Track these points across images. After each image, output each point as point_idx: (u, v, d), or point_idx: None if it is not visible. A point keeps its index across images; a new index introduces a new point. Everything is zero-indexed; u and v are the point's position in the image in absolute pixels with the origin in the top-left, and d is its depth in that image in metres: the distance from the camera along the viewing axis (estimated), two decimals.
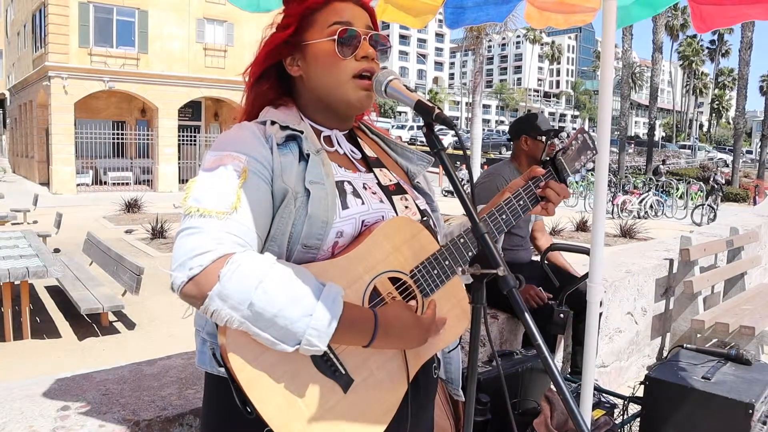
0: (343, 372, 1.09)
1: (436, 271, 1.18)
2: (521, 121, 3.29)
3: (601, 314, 3.53)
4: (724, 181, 24.77)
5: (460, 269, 1.10)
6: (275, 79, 1.28)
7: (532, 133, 3.14)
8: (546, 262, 3.12)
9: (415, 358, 1.19)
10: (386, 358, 1.15)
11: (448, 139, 31.05)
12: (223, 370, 1.06)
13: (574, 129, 1.66)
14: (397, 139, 1.43)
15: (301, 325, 0.98)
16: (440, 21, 2.65)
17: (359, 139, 1.35)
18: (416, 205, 1.31)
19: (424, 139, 1.17)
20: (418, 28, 2.65)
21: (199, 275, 0.98)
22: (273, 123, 1.19)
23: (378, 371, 1.14)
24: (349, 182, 1.21)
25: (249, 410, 1.03)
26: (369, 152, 1.34)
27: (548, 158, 1.34)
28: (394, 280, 1.17)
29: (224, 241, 1.01)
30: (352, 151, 1.30)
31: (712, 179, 23.19)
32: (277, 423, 1.03)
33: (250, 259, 1.00)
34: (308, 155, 1.16)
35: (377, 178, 1.28)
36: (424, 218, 1.29)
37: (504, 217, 1.26)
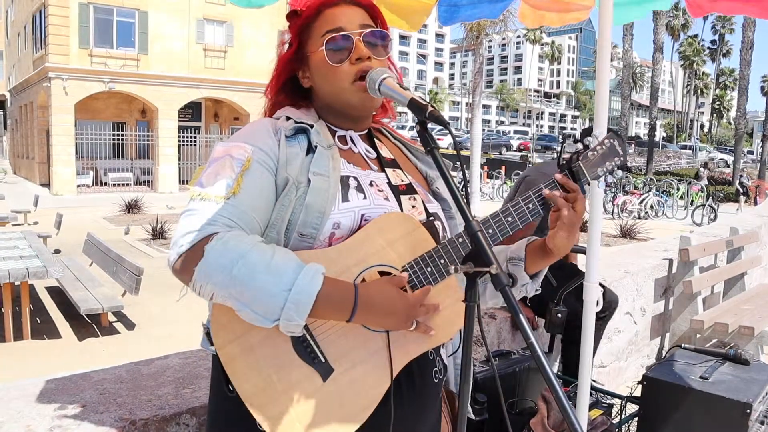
0: (323, 360, 1.09)
1: (429, 269, 1.14)
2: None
3: (598, 312, 3.53)
4: (750, 184, 24.32)
5: (453, 267, 1.09)
6: (290, 89, 1.32)
7: None
8: None
9: (402, 354, 1.15)
10: (370, 351, 1.13)
11: (449, 138, 30.94)
12: (214, 348, 1.10)
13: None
14: (413, 142, 1.43)
15: (280, 299, 1.00)
16: (434, 19, 2.61)
17: (378, 140, 1.35)
18: (425, 206, 1.29)
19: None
20: (412, 31, 2.63)
21: (187, 252, 1.04)
22: (288, 119, 1.23)
23: (361, 365, 1.12)
24: (355, 178, 1.22)
25: (231, 389, 1.07)
26: (386, 153, 1.34)
27: (564, 162, 1.22)
28: (385, 275, 1.15)
29: (215, 222, 1.07)
30: (367, 150, 1.31)
31: (738, 182, 22.85)
32: (253, 402, 1.05)
33: (235, 237, 1.04)
34: (316, 147, 1.19)
35: (388, 178, 1.28)
36: (430, 218, 1.27)
37: (510, 219, 1.17)
